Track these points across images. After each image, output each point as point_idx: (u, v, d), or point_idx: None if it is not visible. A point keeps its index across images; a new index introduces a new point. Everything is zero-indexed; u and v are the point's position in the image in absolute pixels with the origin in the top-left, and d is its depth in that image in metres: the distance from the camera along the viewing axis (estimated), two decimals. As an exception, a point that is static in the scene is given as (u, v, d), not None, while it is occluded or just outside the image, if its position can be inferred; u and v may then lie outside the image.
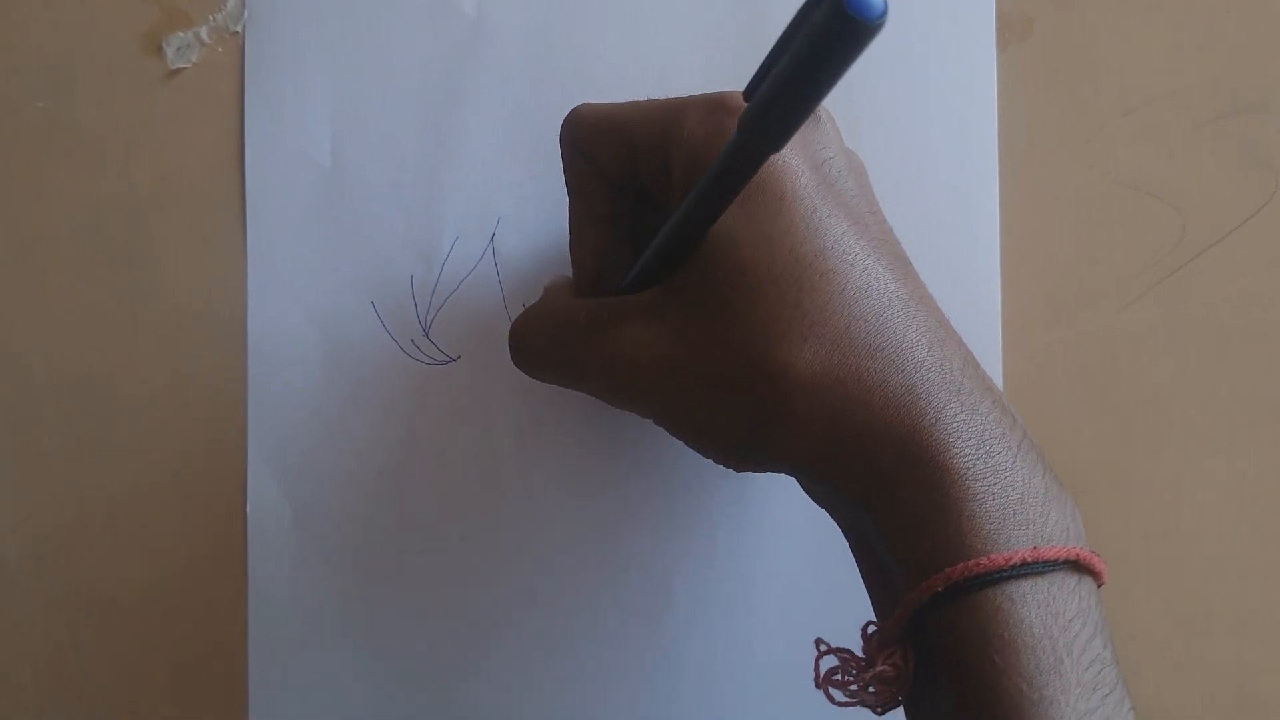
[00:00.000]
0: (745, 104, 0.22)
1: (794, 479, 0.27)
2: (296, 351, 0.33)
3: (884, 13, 0.17)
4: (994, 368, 0.33)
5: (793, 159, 0.25)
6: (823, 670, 0.24)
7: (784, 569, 0.33)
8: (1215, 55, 0.33)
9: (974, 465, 0.22)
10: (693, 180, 0.25)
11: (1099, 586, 0.23)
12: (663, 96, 0.28)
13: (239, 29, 0.33)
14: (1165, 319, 0.33)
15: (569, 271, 0.31)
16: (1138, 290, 0.34)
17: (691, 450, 0.28)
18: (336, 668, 0.33)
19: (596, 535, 0.33)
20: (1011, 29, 0.33)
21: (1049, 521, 0.22)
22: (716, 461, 0.27)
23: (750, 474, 0.33)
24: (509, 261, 0.33)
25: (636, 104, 0.28)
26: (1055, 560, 0.22)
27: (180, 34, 0.33)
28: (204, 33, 0.33)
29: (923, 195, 0.33)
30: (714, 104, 0.26)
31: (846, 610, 0.27)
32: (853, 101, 0.33)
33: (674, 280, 0.26)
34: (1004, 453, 0.23)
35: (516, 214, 0.33)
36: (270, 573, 0.33)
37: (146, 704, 0.33)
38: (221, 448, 0.33)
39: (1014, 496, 0.22)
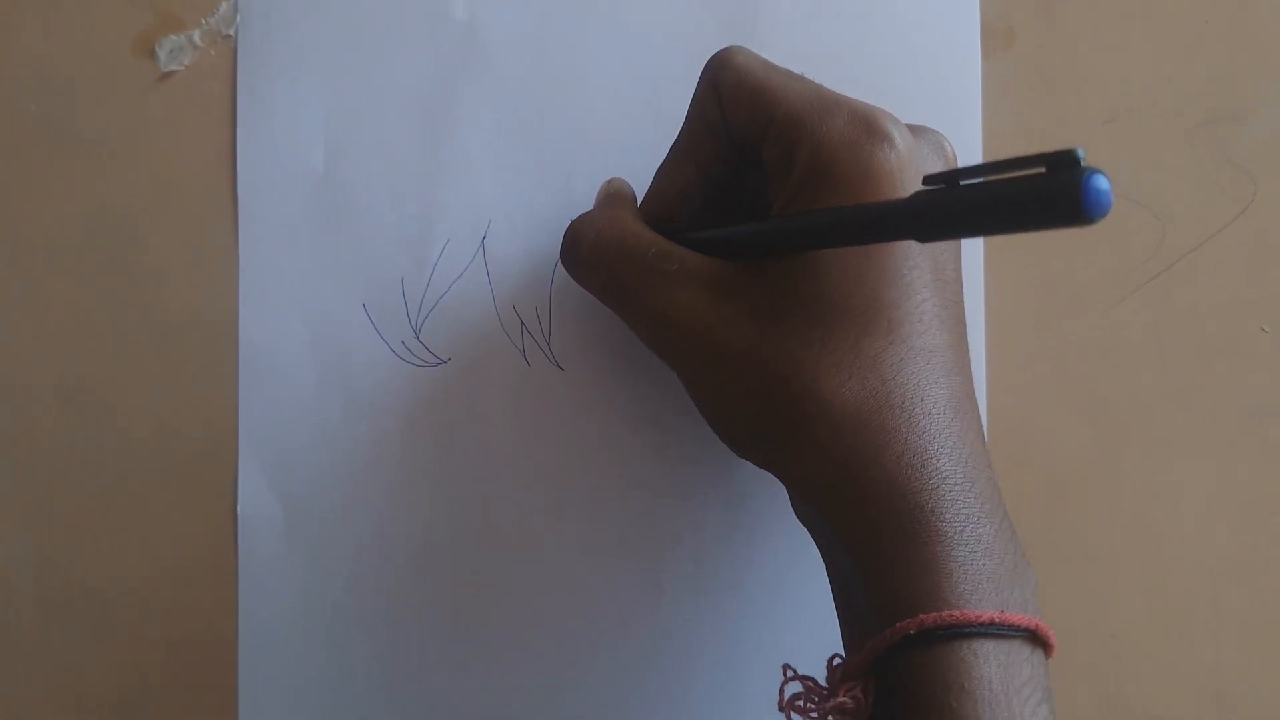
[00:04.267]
0: (924, 184, 0.22)
1: (785, 488, 0.27)
2: (288, 353, 0.33)
3: (1106, 214, 0.18)
4: (978, 373, 0.34)
5: None
6: (787, 694, 0.25)
7: (771, 565, 0.34)
8: (1194, 65, 0.34)
9: (960, 532, 0.24)
10: (812, 177, 0.25)
11: (1047, 659, 0.25)
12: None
13: (231, 32, 0.34)
14: (1147, 324, 0.34)
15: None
16: (1119, 295, 0.34)
17: (684, 443, 0.28)
18: (325, 665, 0.33)
19: (586, 531, 0.33)
20: (995, 38, 0.34)
21: (1014, 595, 0.24)
22: (720, 438, 0.28)
23: (741, 474, 0.33)
24: (499, 264, 0.34)
25: (789, 78, 0.27)
26: (1017, 626, 0.23)
27: (172, 37, 0.34)
28: (196, 36, 0.34)
29: (908, 201, 0.34)
30: (862, 118, 0.25)
31: (829, 612, 0.27)
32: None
33: (755, 268, 0.27)
34: (989, 527, 0.24)
35: (507, 217, 0.34)
36: (261, 572, 0.33)
37: (138, 700, 0.33)
38: (213, 448, 0.33)
39: (989, 567, 0.24)
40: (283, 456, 0.33)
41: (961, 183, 0.21)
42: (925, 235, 0.22)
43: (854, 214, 0.24)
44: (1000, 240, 0.34)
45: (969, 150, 0.34)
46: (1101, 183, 0.18)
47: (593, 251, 0.29)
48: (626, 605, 0.33)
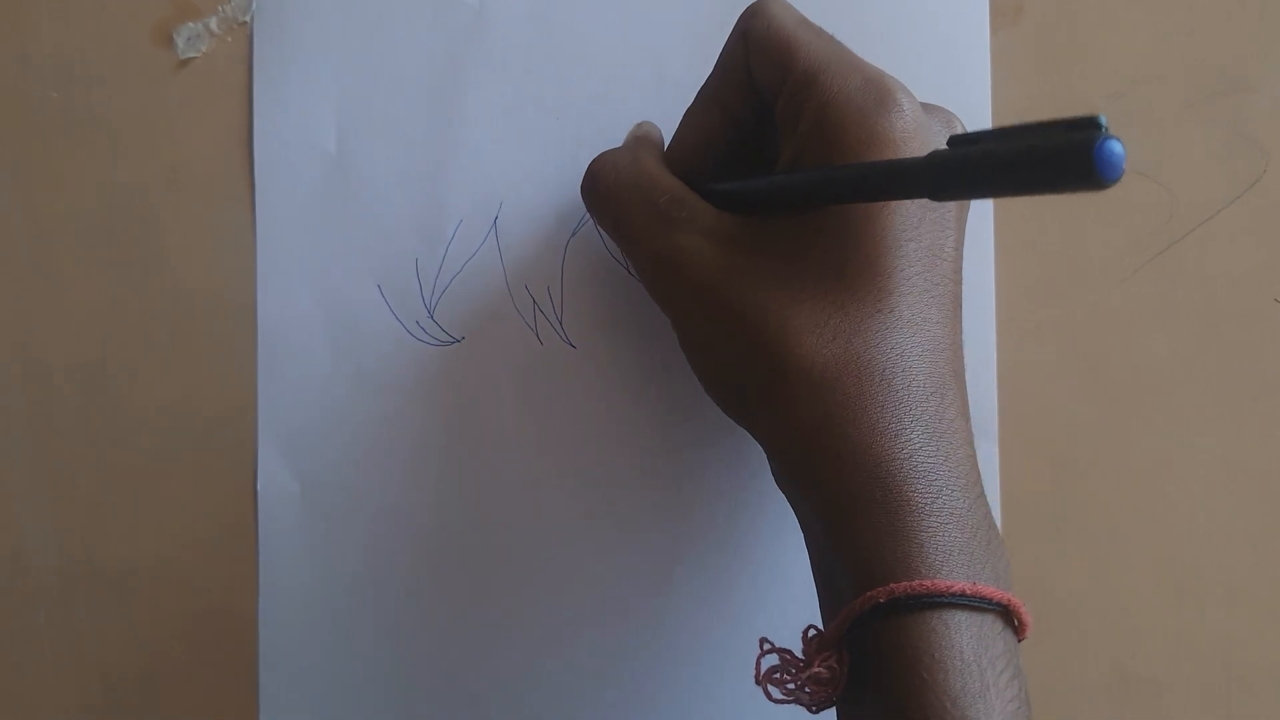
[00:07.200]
0: (946, 145, 0.22)
1: (765, 455, 0.28)
2: (304, 333, 0.34)
3: (1120, 177, 0.18)
4: (987, 346, 0.34)
5: None
6: (764, 668, 0.25)
7: (784, 540, 0.34)
8: (1202, 37, 0.34)
9: (932, 503, 0.24)
10: (817, 134, 0.25)
11: (1019, 641, 0.24)
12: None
13: (247, 19, 0.34)
14: (1156, 296, 0.34)
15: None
16: (1129, 268, 0.34)
17: (695, 418, 0.29)
18: (343, 637, 0.34)
19: (596, 506, 0.34)
20: (1003, 13, 0.34)
21: (985, 569, 0.24)
22: (706, 390, 0.28)
23: (752, 449, 0.33)
24: (511, 244, 0.34)
25: (817, 35, 0.27)
26: (990, 599, 0.23)
27: (190, 25, 0.34)
28: (213, 23, 0.34)
29: (916, 176, 0.34)
30: (876, 84, 0.26)
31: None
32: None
33: (760, 223, 0.27)
34: (962, 501, 0.24)
35: (518, 198, 0.34)
36: (280, 547, 0.34)
37: (161, 673, 0.34)
38: (232, 427, 0.34)
39: (961, 539, 0.24)
40: (300, 434, 0.34)
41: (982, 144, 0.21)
42: (939, 193, 0.22)
43: (871, 169, 0.24)
44: (1011, 212, 0.34)
45: (978, 124, 0.34)
46: (1116, 147, 0.18)
47: (609, 190, 0.29)
48: (634, 580, 0.34)
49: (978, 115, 0.34)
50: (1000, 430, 0.34)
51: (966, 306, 0.33)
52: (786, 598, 0.34)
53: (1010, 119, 0.34)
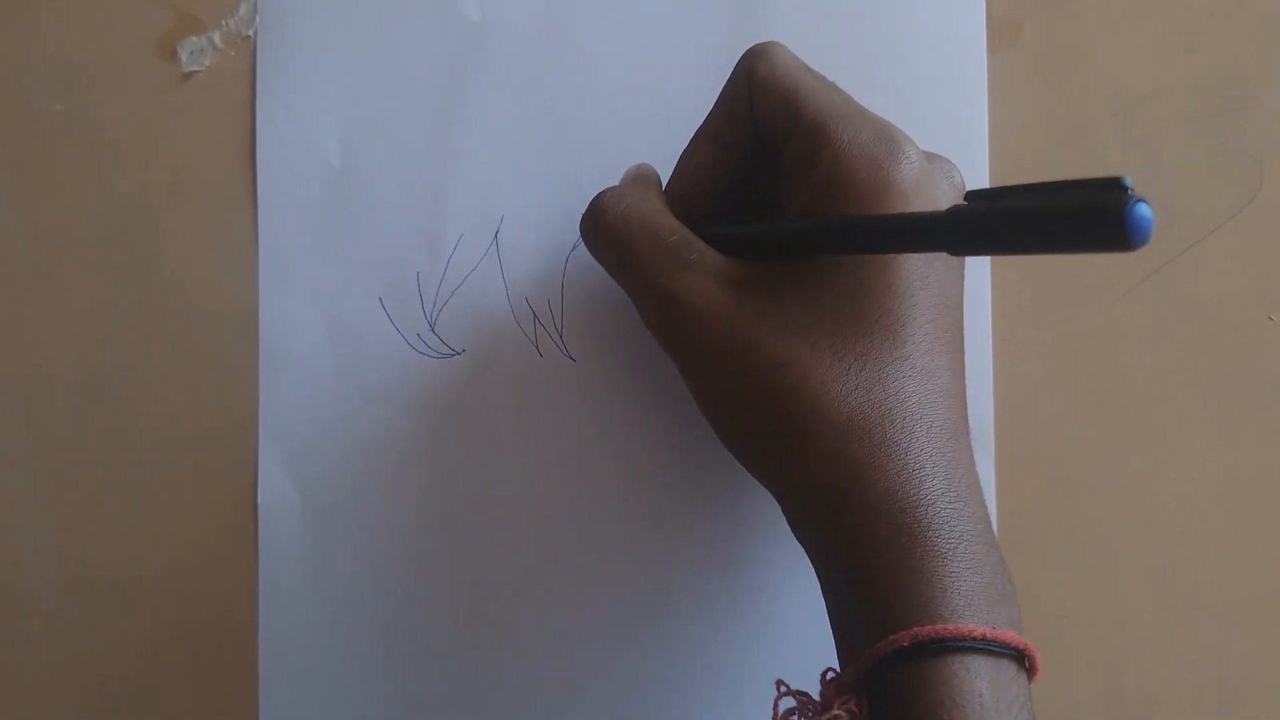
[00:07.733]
0: (964, 201, 0.22)
1: (779, 502, 0.28)
2: (306, 345, 0.34)
3: (1148, 240, 0.18)
4: (985, 363, 0.34)
5: None
6: (780, 710, 0.25)
7: (784, 560, 0.34)
8: (1200, 55, 0.34)
9: (955, 549, 0.24)
10: (831, 184, 0.26)
11: (1030, 683, 0.25)
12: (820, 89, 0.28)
13: (250, 33, 0.34)
14: (1150, 315, 0.34)
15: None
16: (1124, 287, 0.34)
17: (695, 432, 0.29)
18: (341, 648, 0.34)
19: (596, 520, 0.34)
20: (1001, 32, 0.34)
21: (1002, 614, 0.24)
22: (719, 435, 0.28)
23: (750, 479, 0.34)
24: (512, 258, 0.34)
25: (821, 84, 0.28)
26: (1008, 644, 0.24)
27: (194, 38, 0.34)
28: (217, 37, 0.34)
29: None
30: (886, 135, 0.26)
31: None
32: (846, 102, 0.34)
33: (771, 269, 0.27)
34: (980, 546, 0.25)
35: (519, 212, 0.34)
36: (280, 559, 0.34)
37: (160, 682, 0.34)
38: (233, 438, 0.34)
39: (980, 584, 0.24)
40: (301, 446, 0.34)
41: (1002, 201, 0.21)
42: (958, 248, 0.22)
43: (892, 221, 0.24)
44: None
45: (975, 143, 0.34)
46: (1145, 210, 0.18)
47: (615, 226, 0.29)
48: (633, 590, 0.34)
49: (974, 137, 0.34)
50: (995, 446, 0.34)
51: (964, 322, 0.34)
52: (787, 605, 0.34)
53: (1008, 140, 0.34)
